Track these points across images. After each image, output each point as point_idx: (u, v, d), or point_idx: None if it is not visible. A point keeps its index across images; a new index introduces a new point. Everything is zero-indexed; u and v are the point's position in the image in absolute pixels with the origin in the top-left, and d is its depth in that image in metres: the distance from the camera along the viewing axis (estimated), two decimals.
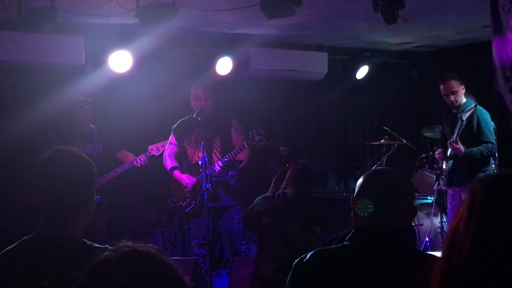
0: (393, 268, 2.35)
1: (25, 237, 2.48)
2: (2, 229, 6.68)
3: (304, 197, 5.63)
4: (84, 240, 2.48)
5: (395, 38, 8.95)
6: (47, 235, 2.46)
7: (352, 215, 2.51)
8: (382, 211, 2.44)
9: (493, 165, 6.90)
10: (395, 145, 8.38)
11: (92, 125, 7.12)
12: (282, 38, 8.65)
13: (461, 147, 6.63)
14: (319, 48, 9.13)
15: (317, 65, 9.05)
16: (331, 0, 6.68)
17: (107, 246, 2.25)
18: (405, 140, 8.39)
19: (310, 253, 2.46)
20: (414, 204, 2.65)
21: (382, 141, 8.48)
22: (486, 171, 6.78)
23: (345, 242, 2.44)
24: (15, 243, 2.50)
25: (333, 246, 2.47)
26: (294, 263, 2.49)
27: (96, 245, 2.43)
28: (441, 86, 7.01)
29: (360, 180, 2.55)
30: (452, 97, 6.90)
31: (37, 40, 6.96)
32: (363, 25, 7.97)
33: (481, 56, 7.74)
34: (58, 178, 2.46)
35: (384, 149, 8.55)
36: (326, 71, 9.08)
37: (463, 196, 6.72)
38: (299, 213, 5.55)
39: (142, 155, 7.08)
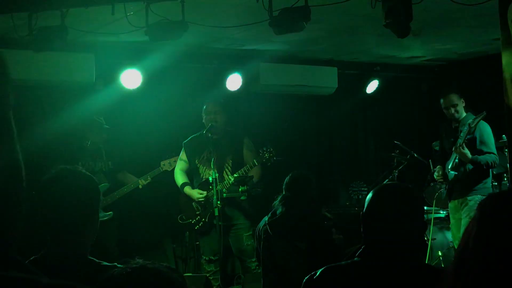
0: (403, 284, 2.33)
1: (32, 257, 2.48)
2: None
3: (292, 210, 5.15)
4: (92, 258, 2.48)
5: (405, 52, 8.95)
6: (55, 253, 2.46)
7: (362, 230, 2.49)
8: (392, 227, 2.42)
9: (493, 179, 7.06)
10: (406, 159, 8.35)
11: (100, 144, 7.14)
12: (292, 54, 8.67)
13: (467, 151, 6.63)
14: (329, 63, 9.14)
15: (327, 79, 9.06)
16: (340, 15, 6.69)
17: (116, 264, 2.26)
18: (416, 154, 8.36)
19: (320, 270, 2.45)
20: (424, 219, 2.62)
21: (393, 155, 8.45)
22: (486, 182, 6.83)
23: (355, 259, 2.42)
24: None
25: (343, 262, 2.45)
26: (304, 280, 2.47)
27: (105, 263, 2.43)
28: (442, 100, 7.03)
29: (369, 195, 2.53)
30: (453, 110, 6.92)
31: (48, 58, 7.02)
32: (373, 39, 7.98)
33: (491, 69, 7.72)
34: (64, 197, 2.46)
35: (395, 163, 8.52)
36: (336, 85, 9.08)
37: (463, 210, 6.78)
38: (285, 229, 5.12)
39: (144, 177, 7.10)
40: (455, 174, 6.83)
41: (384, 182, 7.82)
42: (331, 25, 7.14)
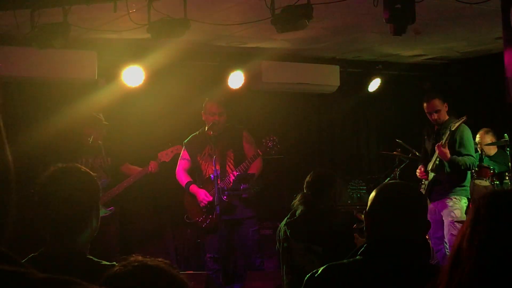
0: (405, 283, 2.33)
1: (31, 255, 2.48)
2: (10, 244, 6.68)
3: (311, 210, 5.01)
4: (90, 257, 2.47)
5: (407, 51, 8.94)
6: (53, 252, 2.45)
7: (365, 229, 2.48)
8: (395, 226, 2.42)
9: (495, 178, 7.36)
10: (408, 158, 8.34)
11: (99, 141, 7.12)
12: (294, 52, 8.66)
13: (447, 151, 6.75)
14: (331, 61, 9.13)
15: (329, 78, 9.05)
16: (343, 13, 6.69)
17: (115, 263, 2.26)
18: (418, 152, 8.34)
19: (322, 268, 2.44)
20: (427, 218, 2.62)
21: (395, 153, 8.44)
22: (464, 185, 6.98)
23: (358, 257, 2.42)
24: (22, 261, 2.49)
25: (345, 261, 2.44)
26: (306, 278, 2.46)
27: (104, 262, 2.42)
28: (425, 104, 7.14)
29: (373, 194, 2.52)
30: (435, 115, 7.02)
31: (50, 56, 7.02)
32: (375, 37, 7.97)
33: (493, 68, 7.71)
34: (61, 195, 2.45)
35: (397, 162, 8.51)
36: (338, 84, 9.08)
37: (443, 212, 6.88)
38: (304, 230, 4.98)
39: (154, 162, 7.05)
40: (434, 176, 6.93)
41: (386, 181, 7.82)
42: (333, 23, 7.13)
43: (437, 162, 6.90)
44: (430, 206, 7.06)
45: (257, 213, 6.89)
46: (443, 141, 6.75)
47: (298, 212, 5.09)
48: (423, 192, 7.06)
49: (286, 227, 5.13)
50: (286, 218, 5.24)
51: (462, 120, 6.79)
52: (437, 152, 6.83)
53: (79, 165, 2.66)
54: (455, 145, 6.89)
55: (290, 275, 5.11)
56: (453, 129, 6.74)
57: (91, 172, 2.61)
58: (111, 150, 7.13)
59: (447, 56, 9.43)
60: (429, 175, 7.01)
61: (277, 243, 5.32)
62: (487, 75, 8.82)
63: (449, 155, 6.75)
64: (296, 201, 5.18)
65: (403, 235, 2.41)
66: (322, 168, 5.51)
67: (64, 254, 2.43)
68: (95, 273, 1.72)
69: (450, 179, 6.87)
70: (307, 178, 5.24)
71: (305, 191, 5.19)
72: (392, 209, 2.44)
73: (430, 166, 6.99)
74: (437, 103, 7.02)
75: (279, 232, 5.30)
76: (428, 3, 5.63)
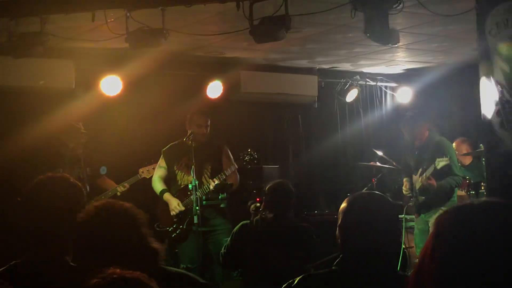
0: None
1: (13, 262, 2.47)
2: None
3: (284, 218, 5.22)
4: (73, 264, 2.47)
5: (384, 61, 9.01)
6: (36, 259, 2.44)
7: (338, 240, 2.50)
8: (367, 237, 2.44)
9: (470, 188, 7.54)
10: (386, 168, 8.38)
11: (79, 150, 7.08)
12: (273, 62, 8.70)
13: (434, 182, 6.90)
14: (309, 71, 9.17)
15: (307, 88, 9.10)
16: (321, 24, 6.73)
17: (93, 269, 2.25)
18: (395, 162, 8.40)
19: (298, 278, 2.45)
20: (398, 226, 2.64)
21: (372, 163, 8.48)
22: (452, 197, 7.13)
23: (333, 267, 2.43)
24: (4, 267, 2.50)
25: (321, 271, 2.46)
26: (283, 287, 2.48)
27: (84, 269, 2.41)
28: (402, 129, 7.34)
29: (343, 205, 2.54)
30: (417, 142, 7.23)
31: (27, 65, 6.98)
32: (353, 48, 8.03)
33: (469, 79, 7.77)
34: (47, 204, 2.46)
35: (374, 172, 8.55)
36: (316, 94, 9.13)
37: (430, 223, 6.97)
38: (280, 237, 5.13)
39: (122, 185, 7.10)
40: (423, 199, 7.07)
41: (362, 191, 7.86)
42: (312, 34, 7.17)
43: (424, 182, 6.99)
44: (419, 217, 7.22)
45: (230, 222, 6.88)
46: (428, 174, 6.89)
47: (267, 217, 5.23)
48: (413, 208, 7.19)
49: (262, 233, 5.18)
50: (245, 222, 5.40)
51: (447, 162, 6.83)
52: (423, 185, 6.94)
53: (66, 174, 2.67)
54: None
55: (262, 281, 5.12)
56: (438, 167, 6.80)
57: (76, 182, 2.63)
58: (90, 160, 7.10)
59: (424, 67, 9.50)
60: (418, 197, 7.14)
61: (231, 248, 5.37)
62: (463, 86, 8.89)
63: (435, 185, 6.90)
64: (261, 209, 5.37)
65: (376, 245, 2.43)
66: (279, 179, 5.67)
67: (46, 260, 2.43)
68: (76, 279, 1.72)
69: (438, 195, 7.01)
70: (269, 187, 5.41)
71: (268, 199, 5.31)
72: (362, 219, 2.46)
73: (417, 186, 7.12)
74: (417, 131, 7.20)
75: (236, 237, 5.37)
76: (405, 14, 5.68)
